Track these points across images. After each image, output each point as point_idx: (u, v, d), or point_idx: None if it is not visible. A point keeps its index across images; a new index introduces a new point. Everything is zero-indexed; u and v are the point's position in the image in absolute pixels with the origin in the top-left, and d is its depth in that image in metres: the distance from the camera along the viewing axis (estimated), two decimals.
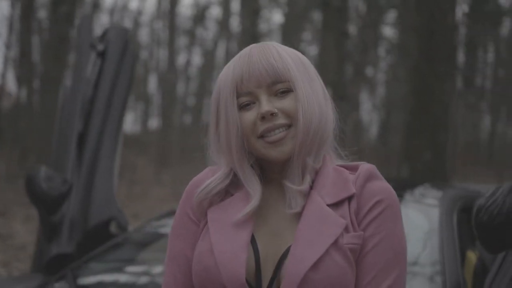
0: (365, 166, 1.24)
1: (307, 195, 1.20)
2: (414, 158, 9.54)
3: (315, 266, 1.12)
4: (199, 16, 22.57)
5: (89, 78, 3.20)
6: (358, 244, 1.16)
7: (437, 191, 3.03)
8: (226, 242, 1.18)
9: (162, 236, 3.07)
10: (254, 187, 1.22)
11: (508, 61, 20.61)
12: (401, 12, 16.45)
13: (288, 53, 1.24)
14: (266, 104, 1.19)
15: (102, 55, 3.29)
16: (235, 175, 1.24)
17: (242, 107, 1.21)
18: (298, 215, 1.20)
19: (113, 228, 3.05)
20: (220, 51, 23.22)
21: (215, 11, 27.22)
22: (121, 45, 3.32)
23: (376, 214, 1.19)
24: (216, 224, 1.21)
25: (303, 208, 1.20)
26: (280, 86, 1.21)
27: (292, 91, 1.21)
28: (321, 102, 1.24)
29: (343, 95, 10.43)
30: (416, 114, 9.63)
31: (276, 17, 20.35)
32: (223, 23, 21.45)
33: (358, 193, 1.20)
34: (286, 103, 1.20)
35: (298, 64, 1.24)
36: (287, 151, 1.20)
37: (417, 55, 9.30)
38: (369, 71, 19.51)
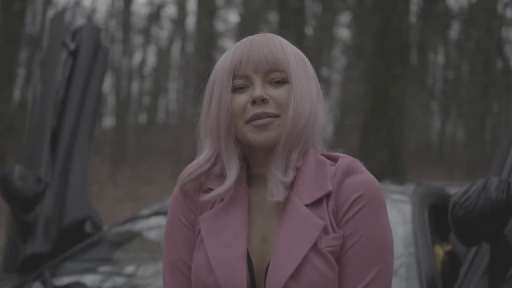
0: (344, 161, 1.22)
1: (288, 189, 1.19)
2: (370, 158, 9.74)
3: (294, 275, 1.11)
4: (154, 15, 22.40)
5: (61, 77, 3.17)
6: (337, 245, 1.15)
7: (406, 188, 3.14)
8: (223, 255, 1.17)
9: (137, 235, 3.08)
10: (232, 168, 1.22)
11: (457, 63, 21.23)
12: (357, 13, 16.74)
13: (290, 47, 1.26)
14: (259, 89, 1.20)
15: (74, 54, 3.27)
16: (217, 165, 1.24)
17: (236, 90, 1.22)
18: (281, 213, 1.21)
19: (88, 227, 3.04)
20: (175, 51, 23.12)
21: (170, 10, 27.07)
22: (93, 44, 3.31)
23: (355, 211, 1.16)
24: (210, 235, 1.20)
25: (284, 212, 1.19)
26: (277, 75, 1.22)
27: (287, 82, 1.22)
28: (314, 100, 1.24)
29: None
30: (372, 114, 9.83)
31: (233, 17, 20.43)
32: (179, 23, 21.35)
33: (335, 190, 1.18)
34: (279, 92, 1.21)
35: (298, 58, 1.25)
36: (272, 137, 1.20)
37: (373, 56, 9.51)
38: (324, 71, 19.77)
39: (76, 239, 2.96)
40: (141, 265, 2.86)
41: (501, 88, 20.42)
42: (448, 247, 2.59)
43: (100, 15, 24.75)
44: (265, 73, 1.22)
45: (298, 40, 10.53)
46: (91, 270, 2.89)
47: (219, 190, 1.20)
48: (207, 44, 14.38)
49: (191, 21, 20.31)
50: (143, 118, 23.76)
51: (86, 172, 3.07)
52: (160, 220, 3.02)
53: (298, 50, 1.28)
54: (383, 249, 1.16)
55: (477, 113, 18.64)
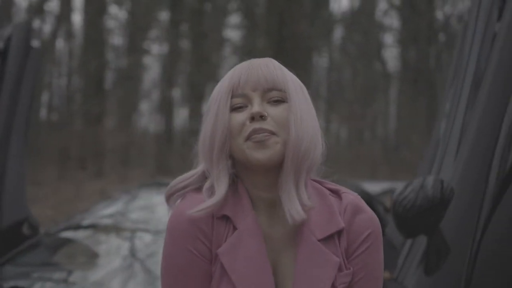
0: (349, 198, 1.24)
1: (297, 225, 1.19)
2: None
3: None
4: (36, 9, 21.44)
5: None
6: (348, 282, 1.21)
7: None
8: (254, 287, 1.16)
9: (74, 239, 3.09)
10: (221, 183, 1.20)
11: (341, 66, 22.25)
12: (247, 15, 17.05)
13: (289, 72, 1.28)
14: (258, 106, 1.20)
15: (2, 54, 3.19)
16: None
17: (234, 109, 1.22)
18: (294, 247, 1.21)
19: (25, 229, 3.00)
20: (61, 47, 22.26)
21: (53, 4, 25.99)
22: (24, 43, 3.25)
23: (365, 248, 1.22)
24: (236, 273, 1.17)
25: (298, 246, 1.20)
26: (276, 94, 1.22)
27: (286, 102, 1.22)
28: (315, 124, 1.24)
29: (201, 96, 10.62)
30: None
31: (121, 13, 20.03)
32: (62, 18, 20.60)
33: (347, 228, 1.21)
34: (278, 110, 1.21)
35: (295, 81, 1.26)
36: (269, 155, 1.18)
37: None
38: (220, 72, 19.94)
39: (14, 242, 2.91)
40: (77, 270, 2.88)
41: (380, 90, 21.67)
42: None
43: None
44: (264, 91, 1.22)
45: (195, 41, 10.64)
46: (30, 274, 2.86)
47: (208, 203, 1.17)
48: (95, 41, 14.08)
49: (77, 17, 19.68)
50: None
51: (22, 174, 3.02)
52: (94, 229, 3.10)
53: (295, 77, 1.29)
54: (380, 280, 1.25)
55: (358, 114, 19.64)
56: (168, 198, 1.24)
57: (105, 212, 3.37)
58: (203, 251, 1.20)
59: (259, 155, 1.18)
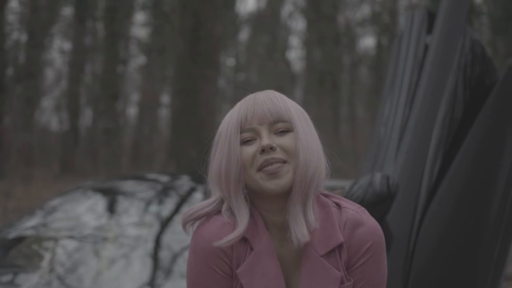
0: (349, 213, 1.33)
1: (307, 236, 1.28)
2: (180, 156, 10.09)
3: None
4: None
5: None
6: None
7: None
8: None
9: (25, 238, 3.04)
10: (243, 215, 1.30)
11: (247, 66, 22.59)
12: (157, 13, 16.92)
13: (290, 101, 1.37)
14: (267, 139, 1.29)
15: None
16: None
17: (244, 142, 1.32)
18: (299, 258, 1.31)
19: None
20: None
21: None
22: None
23: (365, 260, 1.31)
24: (252, 284, 1.29)
25: (302, 260, 1.30)
26: (281, 125, 1.31)
27: (292, 131, 1.32)
28: (319, 148, 1.34)
29: (114, 94, 10.45)
30: (182, 114, 10.18)
31: (22, 8, 19.23)
32: None
33: (346, 241, 1.30)
34: (285, 140, 1.31)
35: (298, 111, 1.36)
36: (282, 184, 1.28)
37: (184, 58, 9.85)
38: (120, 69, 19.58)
39: None
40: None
41: (286, 91, 22.19)
42: None
43: None
44: (270, 124, 1.31)
45: (110, 41, 10.49)
46: None
47: (231, 236, 1.28)
48: None
49: None
50: None
51: None
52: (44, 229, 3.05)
53: (297, 104, 1.39)
54: (382, 284, 1.33)
55: None
56: (185, 225, 1.34)
57: (29, 223, 3.23)
58: (225, 269, 1.32)
59: (273, 186, 1.29)
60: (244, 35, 22.76)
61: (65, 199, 3.40)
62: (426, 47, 2.56)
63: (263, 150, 1.29)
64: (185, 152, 10.03)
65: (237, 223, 1.30)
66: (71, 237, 3.00)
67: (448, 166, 2.45)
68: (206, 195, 1.37)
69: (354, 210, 1.33)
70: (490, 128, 2.55)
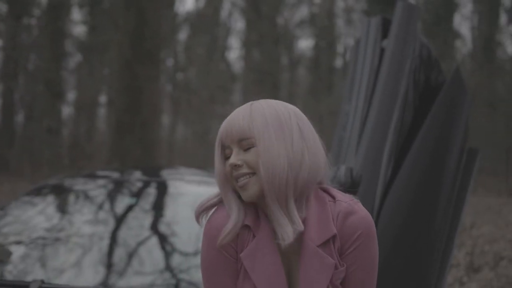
0: (342, 205, 1.46)
1: (297, 231, 1.41)
2: (125, 155, 10.06)
3: None
4: None
5: None
6: (343, 276, 1.45)
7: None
8: (272, 286, 1.44)
9: None
10: (232, 208, 1.47)
11: (186, 65, 22.56)
12: (95, 11, 16.68)
13: (262, 112, 1.46)
14: (232, 158, 1.45)
15: None
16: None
17: (227, 158, 1.48)
18: (298, 249, 1.46)
19: None
20: None
21: None
22: None
23: (355, 247, 1.45)
24: (254, 272, 1.45)
25: (300, 252, 1.45)
26: (245, 143, 1.44)
27: (255, 146, 1.44)
28: (290, 155, 1.43)
29: (58, 92, 10.28)
30: (125, 113, 10.14)
31: None
32: None
33: (339, 231, 1.44)
34: (249, 156, 1.44)
35: (267, 123, 1.45)
36: (251, 195, 1.43)
37: (128, 57, 9.82)
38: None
39: None
40: None
41: (226, 90, 22.32)
42: None
43: None
44: (238, 142, 1.45)
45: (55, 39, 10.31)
46: None
47: (225, 230, 1.44)
48: None
49: None
50: None
51: None
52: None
53: (275, 111, 1.47)
54: (373, 269, 1.48)
55: (203, 114, 20.12)
56: (198, 217, 1.51)
57: None
58: (232, 252, 1.48)
59: (244, 197, 1.45)
60: (183, 34, 22.73)
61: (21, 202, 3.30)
62: (382, 50, 2.77)
63: (233, 167, 1.45)
64: (129, 151, 10.00)
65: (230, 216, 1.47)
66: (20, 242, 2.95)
67: (400, 167, 2.66)
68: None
69: (347, 202, 1.47)
70: (438, 129, 2.78)
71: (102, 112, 20.50)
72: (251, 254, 1.46)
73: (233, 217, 1.46)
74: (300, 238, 1.45)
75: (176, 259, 2.77)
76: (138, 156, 10.16)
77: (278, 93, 19.87)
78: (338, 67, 23.43)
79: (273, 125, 1.45)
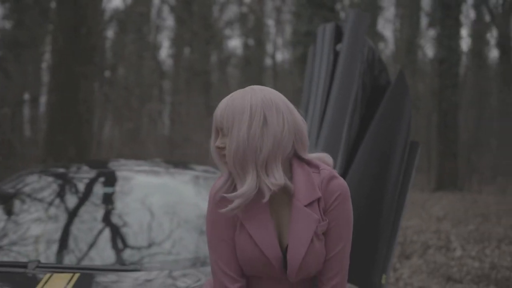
0: (326, 173, 1.76)
1: (290, 196, 1.73)
2: (58, 154, 9.91)
3: (307, 251, 1.71)
4: None
5: None
6: (325, 229, 1.75)
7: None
8: (262, 234, 1.72)
9: None
10: (226, 176, 1.77)
11: (115, 63, 22.31)
12: (17, 7, 16.22)
13: (234, 103, 1.72)
14: (217, 141, 1.75)
15: None
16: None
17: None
18: (289, 211, 1.76)
19: None
20: None
21: None
22: None
23: (335, 205, 1.75)
24: (248, 221, 1.74)
25: (291, 211, 1.74)
26: (223, 131, 1.74)
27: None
28: (245, 137, 1.69)
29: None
30: (60, 111, 9.97)
31: None
32: None
33: (323, 194, 1.74)
34: (227, 140, 1.72)
35: (233, 115, 1.71)
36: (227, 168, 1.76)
37: (63, 53, 9.67)
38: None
39: None
40: None
41: (155, 88, 22.25)
42: None
43: None
44: (219, 129, 1.75)
45: None
46: None
47: (239, 192, 1.69)
48: None
49: None
50: None
51: None
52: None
53: (248, 104, 1.71)
54: (349, 225, 1.77)
55: (134, 112, 20.01)
56: (214, 196, 1.79)
57: None
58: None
59: (228, 168, 1.76)
60: (110, 31, 22.46)
61: None
62: (337, 53, 3.06)
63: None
64: (64, 149, 9.88)
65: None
66: None
67: (352, 160, 2.95)
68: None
69: (329, 170, 1.78)
70: (386, 124, 3.09)
71: (27, 110, 19.99)
72: (249, 208, 1.74)
73: (228, 182, 1.75)
74: (290, 200, 1.75)
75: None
76: (72, 155, 10.05)
77: (210, 92, 20.05)
78: (268, 66, 23.86)
79: (235, 116, 1.70)
